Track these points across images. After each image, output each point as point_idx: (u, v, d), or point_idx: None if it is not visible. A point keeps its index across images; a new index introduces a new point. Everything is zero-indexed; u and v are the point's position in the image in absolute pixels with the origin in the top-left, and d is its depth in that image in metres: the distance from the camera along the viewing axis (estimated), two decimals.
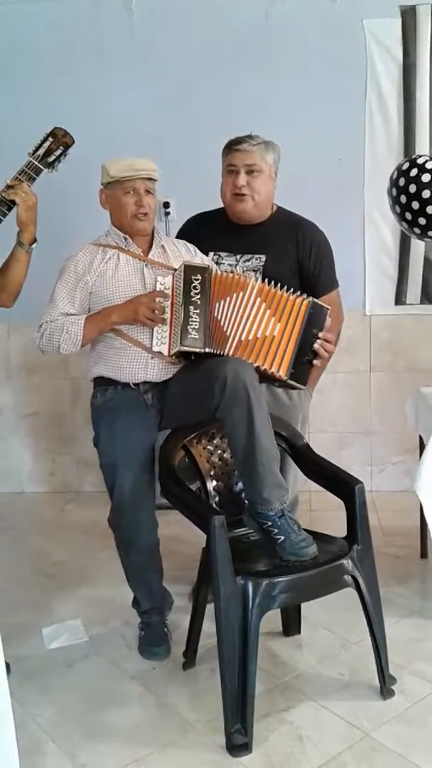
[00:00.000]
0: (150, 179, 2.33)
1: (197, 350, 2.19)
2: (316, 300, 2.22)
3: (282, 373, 2.16)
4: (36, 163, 2.23)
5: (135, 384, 2.31)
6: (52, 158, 2.25)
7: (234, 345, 2.19)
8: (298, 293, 2.23)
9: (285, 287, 2.23)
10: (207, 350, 2.19)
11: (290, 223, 2.59)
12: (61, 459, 4.10)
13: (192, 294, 2.19)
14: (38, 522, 3.66)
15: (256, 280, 2.25)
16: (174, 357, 2.25)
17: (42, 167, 2.24)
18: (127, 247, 2.36)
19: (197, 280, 2.21)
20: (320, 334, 2.21)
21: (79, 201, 3.47)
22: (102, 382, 2.37)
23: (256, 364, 2.15)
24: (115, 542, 2.38)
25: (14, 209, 2.22)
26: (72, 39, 3.70)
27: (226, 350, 2.19)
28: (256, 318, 2.19)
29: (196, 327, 2.18)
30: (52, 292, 2.33)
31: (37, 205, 2.25)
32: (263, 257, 2.50)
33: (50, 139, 2.25)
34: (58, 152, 2.25)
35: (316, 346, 2.20)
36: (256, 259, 2.51)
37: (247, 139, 2.48)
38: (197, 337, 2.18)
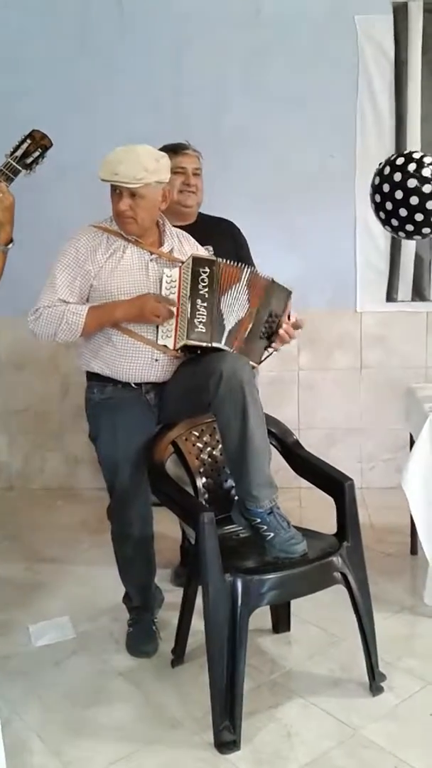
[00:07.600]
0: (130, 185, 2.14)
1: (204, 344, 2.13)
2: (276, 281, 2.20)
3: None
4: (14, 164, 2.22)
5: (137, 384, 2.26)
6: (29, 160, 2.23)
7: (226, 336, 2.15)
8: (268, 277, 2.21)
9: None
10: (214, 344, 2.13)
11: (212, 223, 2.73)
12: (50, 455, 4.09)
13: (200, 287, 2.13)
14: (28, 518, 3.64)
15: (249, 270, 2.22)
16: (179, 351, 2.19)
17: (20, 168, 2.24)
18: (133, 239, 2.23)
19: (205, 273, 2.14)
20: (277, 316, 2.18)
21: (67, 200, 3.47)
22: (99, 378, 2.29)
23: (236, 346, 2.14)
24: (111, 534, 2.37)
25: None
26: (62, 36, 3.67)
27: (228, 342, 2.15)
28: (238, 307, 2.17)
29: (203, 321, 2.12)
30: (51, 275, 2.20)
31: (14, 207, 2.20)
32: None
33: (28, 141, 2.24)
34: (36, 154, 2.24)
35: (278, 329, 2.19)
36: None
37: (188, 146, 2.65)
38: (204, 330, 2.12)
